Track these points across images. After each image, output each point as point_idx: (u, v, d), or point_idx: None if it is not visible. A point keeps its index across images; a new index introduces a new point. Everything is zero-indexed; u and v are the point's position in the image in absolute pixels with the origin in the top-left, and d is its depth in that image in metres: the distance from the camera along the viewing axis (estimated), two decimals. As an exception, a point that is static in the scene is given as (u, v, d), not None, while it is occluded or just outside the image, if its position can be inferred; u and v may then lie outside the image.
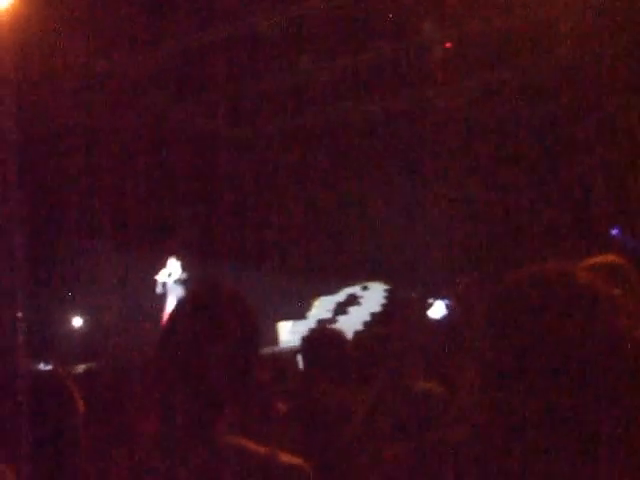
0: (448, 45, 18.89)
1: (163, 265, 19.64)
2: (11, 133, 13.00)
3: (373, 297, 20.56)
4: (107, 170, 21.08)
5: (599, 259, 3.66)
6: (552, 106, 18.50)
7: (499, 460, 1.67)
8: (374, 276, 20.95)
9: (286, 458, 2.39)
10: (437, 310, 3.22)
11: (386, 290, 20.64)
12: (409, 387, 4.34)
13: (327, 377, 4.45)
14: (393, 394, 4.33)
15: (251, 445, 2.41)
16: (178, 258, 19.64)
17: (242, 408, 2.44)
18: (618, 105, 17.97)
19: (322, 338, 4.91)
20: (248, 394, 2.45)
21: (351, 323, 16.88)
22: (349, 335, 5.58)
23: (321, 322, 19.13)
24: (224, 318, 2.42)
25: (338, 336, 4.94)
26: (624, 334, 1.64)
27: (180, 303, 2.57)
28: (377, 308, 19.45)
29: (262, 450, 2.39)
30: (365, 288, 21.06)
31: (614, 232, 17.94)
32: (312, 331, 5.26)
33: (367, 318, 18.41)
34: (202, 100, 21.16)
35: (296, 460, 2.40)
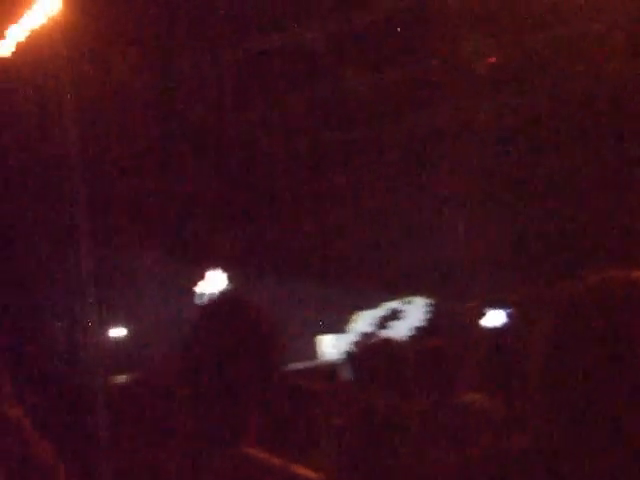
0: (492, 60, 18.81)
1: (203, 277, 19.64)
2: (72, 145, 13.05)
3: (415, 311, 20.44)
4: (149, 182, 21.12)
5: None
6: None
7: (562, 468, 1.63)
8: (416, 290, 20.82)
9: (302, 471, 2.39)
10: (492, 319, 3.21)
11: (428, 304, 20.50)
12: (460, 398, 4.30)
13: (380, 388, 4.37)
14: (445, 406, 4.29)
15: (270, 458, 2.39)
16: (222, 270, 19.65)
17: (270, 420, 2.44)
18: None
19: (374, 348, 4.87)
20: (274, 406, 2.46)
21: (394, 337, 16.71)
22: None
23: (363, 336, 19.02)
24: (240, 331, 2.41)
25: (390, 346, 4.92)
26: None
27: (199, 317, 2.55)
28: (419, 322, 19.34)
29: (278, 462, 2.38)
30: (408, 302, 20.94)
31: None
32: (363, 342, 5.18)
33: (409, 332, 18.29)
34: (249, 111, 21.18)
35: (311, 474, 2.40)
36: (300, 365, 9.55)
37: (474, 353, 3.52)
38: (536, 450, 1.70)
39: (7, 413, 2.89)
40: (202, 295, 19.46)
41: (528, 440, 1.74)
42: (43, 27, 12.44)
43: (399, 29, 18.05)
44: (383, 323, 20.39)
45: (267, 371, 2.42)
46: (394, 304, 21.12)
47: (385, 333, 19.19)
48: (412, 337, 15.93)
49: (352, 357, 4.90)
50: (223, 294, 2.57)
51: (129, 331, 22.33)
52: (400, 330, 18.86)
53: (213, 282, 19.48)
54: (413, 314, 20.28)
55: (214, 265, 19.93)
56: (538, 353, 1.68)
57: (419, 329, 18.14)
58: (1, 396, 2.91)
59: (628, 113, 17.86)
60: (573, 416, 1.61)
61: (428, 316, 19.87)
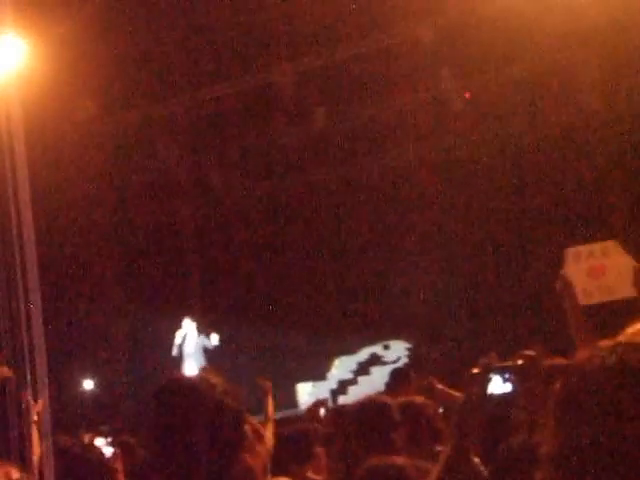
0: (467, 95, 18.68)
1: (178, 326, 19.19)
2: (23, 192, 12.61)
3: (395, 356, 20.06)
4: (115, 227, 20.95)
5: None
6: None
7: None
8: (395, 334, 20.49)
9: None
10: (498, 386, 2.98)
11: (408, 349, 20.14)
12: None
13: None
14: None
15: None
16: (193, 319, 19.20)
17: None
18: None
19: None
20: None
21: (374, 383, 16.40)
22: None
23: (342, 383, 18.66)
24: (189, 415, 2.48)
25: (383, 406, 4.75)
26: None
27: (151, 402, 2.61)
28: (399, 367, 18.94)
29: None
30: (386, 347, 20.54)
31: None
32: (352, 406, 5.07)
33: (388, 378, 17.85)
34: (216, 155, 21.00)
35: None
36: (279, 414, 9.20)
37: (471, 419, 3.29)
38: None
39: None
40: (178, 346, 19.02)
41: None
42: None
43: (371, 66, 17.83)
44: (363, 369, 20.06)
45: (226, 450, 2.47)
46: (373, 348, 20.76)
47: (363, 379, 18.88)
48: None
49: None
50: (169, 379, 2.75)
51: (98, 384, 21.95)
52: (380, 376, 18.48)
53: (188, 331, 19.00)
54: (393, 358, 19.92)
55: (189, 315, 19.55)
56: (551, 423, 1.67)
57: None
58: None
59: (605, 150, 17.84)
60: None
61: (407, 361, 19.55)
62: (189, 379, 2.69)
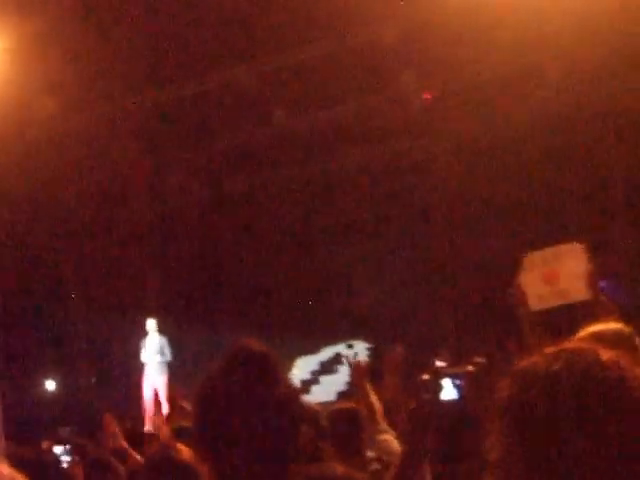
0: (427, 96, 18.74)
1: (140, 326, 19.05)
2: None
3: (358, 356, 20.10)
4: (72, 225, 20.92)
5: (601, 327, 3.65)
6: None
7: None
8: (357, 334, 20.56)
9: None
10: (448, 392, 3.01)
11: (369, 349, 20.20)
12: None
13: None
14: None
15: None
16: (154, 318, 19.12)
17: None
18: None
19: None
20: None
21: (337, 383, 16.47)
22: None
23: (304, 382, 18.70)
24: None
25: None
26: None
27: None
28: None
29: None
30: (350, 347, 20.59)
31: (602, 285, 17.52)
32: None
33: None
34: (174, 156, 20.99)
35: None
36: None
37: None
38: None
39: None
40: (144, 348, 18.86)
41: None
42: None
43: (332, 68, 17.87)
44: (325, 369, 20.10)
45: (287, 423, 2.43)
46: (335, 348, 20.82)
47: (325, 379, 18.91)
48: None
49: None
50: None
51: (60, 385, 21.87)
52: (343, 376, 18.58)
53: (150, 331, 18.86)
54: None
55: (150, 314, 19.44)
56: (495, 427, 1.68)
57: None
58: None
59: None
60: None
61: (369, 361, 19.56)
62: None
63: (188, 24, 17.74)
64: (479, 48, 16.82)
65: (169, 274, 21.71)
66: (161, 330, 18.63)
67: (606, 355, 1.67)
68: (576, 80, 17.06)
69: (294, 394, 2.47)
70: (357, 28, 17.77)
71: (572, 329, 3.52)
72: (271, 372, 2.47)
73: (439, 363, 11.41)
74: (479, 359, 4.70)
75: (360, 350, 20.38)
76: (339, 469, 3.30)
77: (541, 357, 1.70)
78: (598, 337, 3.34)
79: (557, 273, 5.73)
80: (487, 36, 16.39)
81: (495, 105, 17.93)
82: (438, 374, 3.35)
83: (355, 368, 7.46)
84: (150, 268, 21.99)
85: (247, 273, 21.82)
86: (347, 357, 7.61)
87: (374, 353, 19.83)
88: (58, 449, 10.25)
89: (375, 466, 5.17)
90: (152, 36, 18.17)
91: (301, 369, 20.50)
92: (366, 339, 20.59)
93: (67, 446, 10.21)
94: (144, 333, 18.63)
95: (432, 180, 19.62)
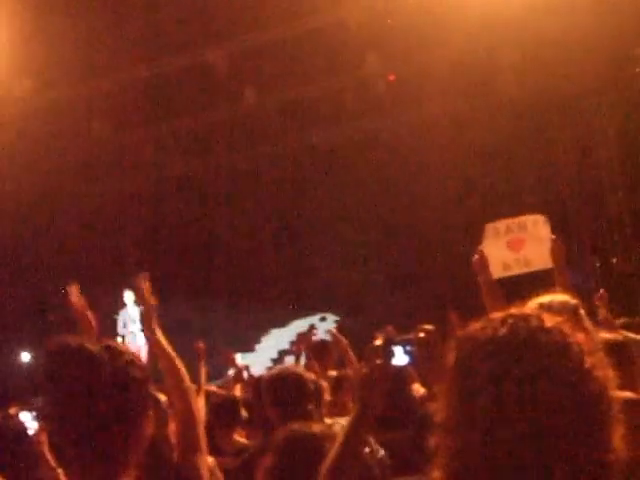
0: (391, 78, 19.01)
1: (117, 298, 19.31)
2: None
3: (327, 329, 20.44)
4: (52, 201, 21.03)
5: (549, 297, 3.66)
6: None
7: None
8: (328, 308, 20.91)
9: None
10: (399, 358, 3.16)
11: (335, 321, 20.59)
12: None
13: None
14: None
15: None
16: (131, 290, 19.39)
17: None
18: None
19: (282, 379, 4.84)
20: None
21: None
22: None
23: (279, 353, 18.98)
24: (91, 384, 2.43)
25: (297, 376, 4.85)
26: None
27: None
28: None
29: None
30: (323, 319, 20.95)
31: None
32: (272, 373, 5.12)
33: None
34: (149, 132, 21.16)
35: None
36: (212, 386, 9.55)
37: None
38: None
39: None
40: (123, 323, 19.09)
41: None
42: None
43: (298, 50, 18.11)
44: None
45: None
46: (307, 321, 21.13)
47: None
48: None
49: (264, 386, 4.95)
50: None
51: (35, 356, 22.01)
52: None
53: (128, 303, 19.09)
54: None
55: (128, 287, 19.70)
56: (445, 392, 1.72)
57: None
58: None
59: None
60: (483, 455, 1.62)
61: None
62: (87, 347, 2.56)
63: (158, 5, 17.94)
64: (441, 30, 17.03)
65: (147, 247, 21.87)
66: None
67: (550, 321, 1.71)
68: (533, 62, 17.32)
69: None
70: (324, 10, 18.01)
71: (532, 297, 3.55)
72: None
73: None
74: (429, 326, 4.94)
75: (329, 323, 20.76)
76: (316, 427, 3.44)
77: (487, 322, 1.73)
78: (546, 307, 3.33)
79: (522, 240, 5.76)
80: (449, 19, 16.65)
81: (457, 86, 18.16)
82: (390, 340, 3.27)
83: (337, 340, 8.08)
84: (129, 241, 22.23)
85: (224, 247, 22.03)
86: (330, 330, 7.78)
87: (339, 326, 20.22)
88: (26, 415, 10.16)
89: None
90: (124, 17, 18.40)
91: (277, 339, 21.00)
92: (335, 312, 21.00)
93: (34, 413, 10.33)
94: (122, 305, 18.94)
95: (397, 159, 19.84)
